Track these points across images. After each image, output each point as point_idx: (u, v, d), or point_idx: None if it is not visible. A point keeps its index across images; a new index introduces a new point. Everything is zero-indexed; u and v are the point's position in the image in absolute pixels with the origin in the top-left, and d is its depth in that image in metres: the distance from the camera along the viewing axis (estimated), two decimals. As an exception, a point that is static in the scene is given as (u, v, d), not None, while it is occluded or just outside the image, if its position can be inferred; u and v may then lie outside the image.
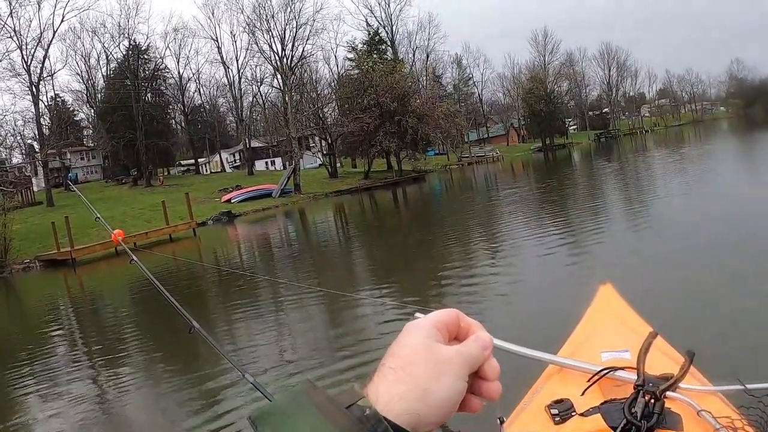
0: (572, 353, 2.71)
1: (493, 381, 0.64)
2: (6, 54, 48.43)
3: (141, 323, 12.23)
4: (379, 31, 72.63)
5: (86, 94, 64.77)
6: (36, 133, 54.75)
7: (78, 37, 61.26)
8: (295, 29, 56.63)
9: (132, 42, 62.51)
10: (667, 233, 12.16)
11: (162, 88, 68.71)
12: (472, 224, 19.61)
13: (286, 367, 7.40)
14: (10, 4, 47.53)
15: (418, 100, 57.12)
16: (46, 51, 51.86)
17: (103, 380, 8.63)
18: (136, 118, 59.08)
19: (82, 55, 62.46)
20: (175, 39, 71.80)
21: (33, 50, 50.35)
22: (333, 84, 70.00)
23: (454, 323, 0.65)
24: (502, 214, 21.44)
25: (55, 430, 6.78)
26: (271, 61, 58.53)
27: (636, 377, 2.09)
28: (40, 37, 50.63)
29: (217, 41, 69.40)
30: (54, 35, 52.61)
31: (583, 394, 2.22)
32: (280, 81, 57.73)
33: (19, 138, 63.01)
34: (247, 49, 65.87)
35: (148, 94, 65.05)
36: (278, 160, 72.87)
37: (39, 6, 50.73)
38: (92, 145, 72.19)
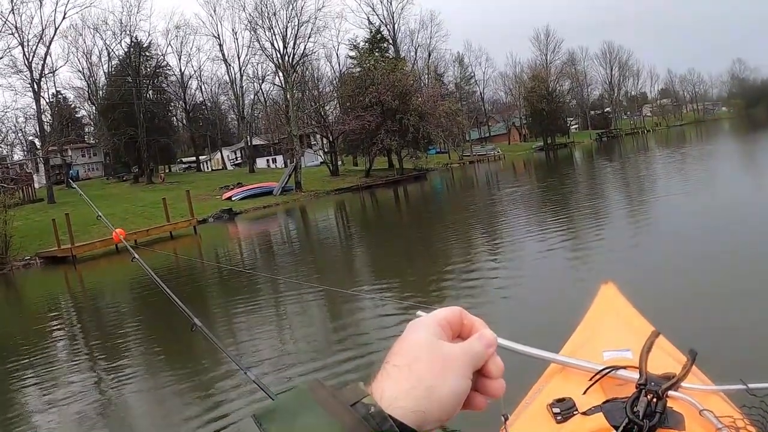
0: (574, 352, 2.71)
1: (497, 379, 0.64)
2: (7, 51, 48.52)
3: (142, 320, 12.24)
4: (381, 29, 72.54)
5: (88, 91, 64.83)
6: (37, 129, 54.77)
7: (80, 34, 61.39)
8: (296, 27, 56.64)
9: (134, 39, 62.56)
10: (668, 232, 12.15)
11: (163, 85, 68.70)
12: (473, 222, 19.62)
13: (288, 364, 7.39)
14: (12, 0, 47.56)
15: (420, 99, 57.08)
16: (48, 48, 51.90)
17: (104, 377, 8.64)
18: (137, 116, 59.06)
19: (83, 52, 62.61)
20: (176, 36, 71.90)
21: (34, 47, 50.39)
22: (334, 82, 70.12)
23: (457, 321, 0.65)
24: (503, 212, 21.43)
25: (56, 427, 6.78)
26: (272, 58, 58.59)
27: (638, 376, 2.09)
28: (42, 33, 50.66)
29: (219, 39, 69.50)
30: (55, 32, 52.64)
31: (585, 393, 2.22)
32: (282, 79, 57.71)
33: (20, 135, 63.20)
34: (249, 46, 65.98)
35: (150, 92, 65.04)
36: (279, 158, 72.86)
37: (41, 3, 50.79)
38: (93, 142, 72.30)
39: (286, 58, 56.35)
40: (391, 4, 76.97)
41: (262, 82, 69.54)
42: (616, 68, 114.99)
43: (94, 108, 66.09)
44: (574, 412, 2.11)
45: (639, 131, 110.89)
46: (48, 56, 52.59)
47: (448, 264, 12.74)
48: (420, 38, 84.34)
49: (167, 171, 70.29)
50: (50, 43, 52.05)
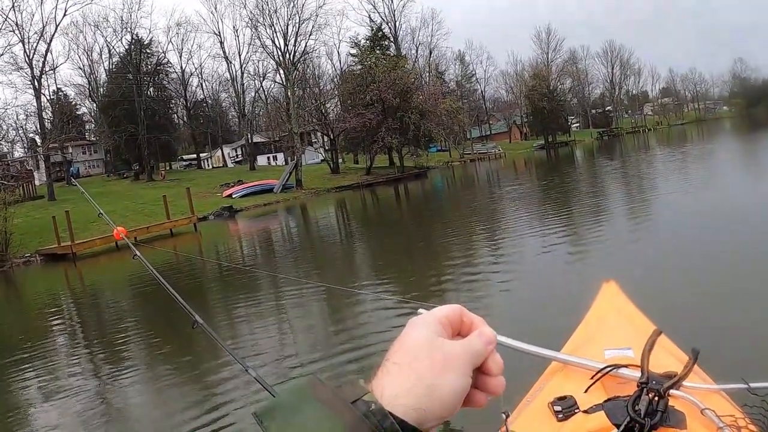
0: (576, 350, 2.71)
1: (496, 376, 0.65)
2: (8, 47, 48.51)
3: (143, 318, 12.24)
4: (382, 27, 72.51)
5: (88, 89, 64.84)
6: (38, 127, 54.73)
7: (80, 31, 61.43)
8: (297, 24, 56.64)
9: (134, 36, 62.61)
10: (669, 231, 12.14)
11: (164, 82, 68.74)
12: (474, 220, 19.61)
13: (289, 360, 7.41)
14: (13, -3, 47.51)
15: (421, 97, 57.09)
16: (49, 45, 51.86)
17: (105, 374, 8.64)
18: (138, 113, 59.09)
19: (84, 50, 62.62)
20: (177, 34, 72.15)
21: (35, 44, 50.36)
22: (335, 80, 70.20)
23: (457, 319, 0.65)
24: (504, 210, 21.44)
25: (56, 423, 6.78)
26: (273, 56, 58.59)
27: (640, 375, 2.09)
28: (43, 30, 50.62)
29: (220, 36, 69.56)
30: (56, 29, 52.60)
31: (586, 391, 2.22)
32: (283, 76, 57.69)
33: (21, 132, 63.15)
34: (250, 44, 65.99)
35: (151, 89, 65.07)
36: (280, 156, 72.92)
37: (41, 0, 50.77)
38: (94, 139, 72.28)
39: (287, 55, 56.37)
40: (392, 1, 77.08)
41: (263, 80, 69.65)
42: (618, 67, 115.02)
43: (94, 105, 66.10)
44: (576, 411, 2.11)
45: (640, 130, 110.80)
46: (49, 53, 52.63)
47: (448, 261, 12.74)
48: (421, 36, 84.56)
49: (168, 168, 70.31)
50: (51, 40, 52.10)
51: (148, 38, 65.17)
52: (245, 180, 52.38)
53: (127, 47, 62.69)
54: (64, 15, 53.85)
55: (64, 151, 59.71)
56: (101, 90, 64.26)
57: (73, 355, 10.26)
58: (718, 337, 5.51)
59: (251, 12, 58.98)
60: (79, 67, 63.41)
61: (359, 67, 60.63)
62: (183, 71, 72.08)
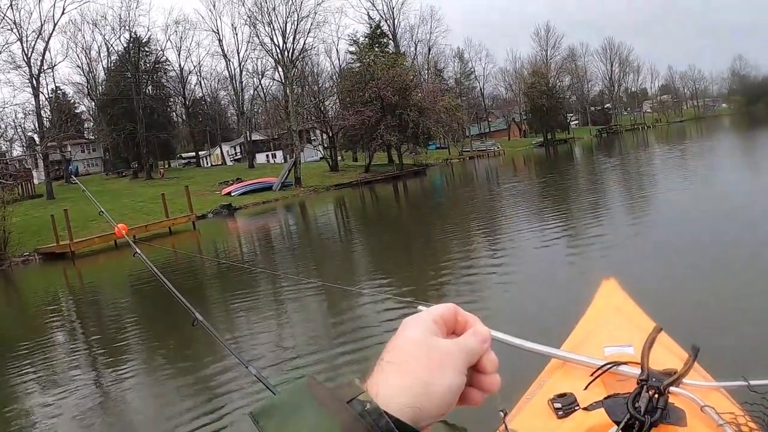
0: (575, 347, 2.71)
1: (491, 374, 0.65)
2: (6, 46, 48.44)
3: (142, 315, 12.24)
4: (381, 25, 72.47)
5: (87, 87, 64.73)
6: (36, 125, 54.69)
7: (79, 30, 61.33)
8: (296, 22, 56.57)
9: (133, 34, 62.51)
10: (668, 228, 12.15)
11: (163, 80, 68.70)
12: (473, 217, 19.60)
13: (288, 358, 7.40)
14: (11, -5, 47.43)
15: (420, 94, 57.08)
16: (47, 43, 51.77)
17: (104, 372, 8.64)
18: (136, 111, 59.04)
19: (82, 48, 62.49)
20: (176, 31, 72.10)
21: (33, 42, 50.29)
22: (334, 77, 70.19)
23: (451, 317, 0.65)
24: (503, 207, 21.44)
25: (56, 420, 6.78)
26: (272, 53, 58.49)
27: (640, 372, 2.08)
28: (41, 29, 50.57)
29: (218, 34, 69.82)
30: (54, 27, 52.50)
31: (586, 388, 2.22)
32: (281, 74, 57.68)
33: (19, 131, 63.08)
34: (248, 41, 65.88)
35: (149, 87, 65.03)
36: (279, 153, 72.93)
37: (40, -2, 50.70)
38: (93, 137, 72.20)
39: (286, 53, 56.31)
40: (391, -1, 76.88)
41: (262, 78, 69.54)
42: (617, 64, 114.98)
43: (93, 103, 65.98)
44: (576, 408, 2.11)
45: (639, 127, 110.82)
46: (47, 52, 52.54)
47: (448, 258, 12.74)
48: (420, 33, 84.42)
49: (167, 166, 70.27)
50: (49, 39, 52.00)
51: (147, 36, 65.23)
52: (244, 178, 52.35)
53: (125, 45, 62.64)
54: (63, 13, 54.26)
55: (62, 149, 59.63)
56: (100, 88, 64.17)
57: (72, 353, 10.25)
58: (718, 335, 5.51)
59: (250, 9, 58.98)
60: (78, 66, 63.35)
61: (358, 64, 60.60)
62: (182, 69, 72.04)
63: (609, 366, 2.24)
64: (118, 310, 13.78)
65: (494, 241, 14.31)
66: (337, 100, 64.14)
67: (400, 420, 0.57)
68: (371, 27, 69.66)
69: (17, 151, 66.50)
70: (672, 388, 2.02)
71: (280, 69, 58.03)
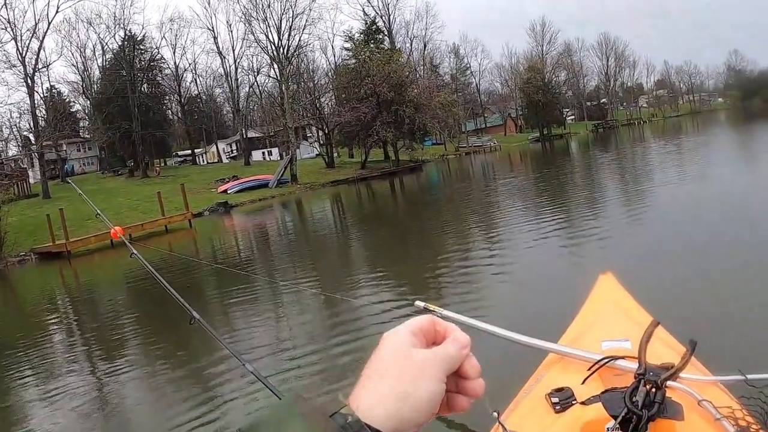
0: (573, 342, 2.71)
1: (475, 379, 0.66)
2: (0, 45, 48.22)
3: (139, 315, 12.21)
4: (376, 21, 72.40)
5: (82, 86, 64.44)
6: (31, 124, 54.47)
7: (73, 28, 61.07)
8: (291, 19, 56.39)
9: (128, 32, 62.33)
10: (665, 222, 12.16)
11: (158, 78, 68.56)
12: (469, 213, 19.60)
13: (285, 354, 7.40)
14: (4, -6, 47.24)
15: (416, 90, 57.03)
16: (41, 42, 51.59)
17: (102, 371, 8.62)
18: (132, 109, 58.91)
19: (77, 46, 62.22)
20: (171, 29, 71.92)
21: (28, 41, 50.08)
22: (330, 74, 70.00)
23: (430, 328, 0.67)
24: (499, 203, 21.44)
25: (54, 419, 6.77)
26: (267, 50, 58.32)
27: (637, 366, 2.08)
28: (35, 28, 50.37)
29: (213, 31, 69.64)
30: (49, 26, 52.33)
31: (583, 382, 2.22)
32: (277, 71, 57.51)
33: (14, 130, 62.80)
34: (244, 38, 65.72)
35: (144, 85, 64.89)
36: (275, 150, 72.74)
37: (34, -4, 50.51)
38: (88, 136, 71.98)
39: (281, 50, 56.15)
40: (386, -5, 76.71)
41: (257, 75, 69.49)
42: (612, 59, 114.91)
43: (88, 102, 65.73)
44: (573, 402, 2.11)
45: (635, 122, 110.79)
46: (41, 50, 52.38)
47: (445, 253, 12.73)
48: (415, 29, 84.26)
49: (163, 164, 70.14)
50: (43, 38, 51.84)
51: (142, 34, 65.07)
52: (240, 175, 52.27)
53: (120, 44, 62.43)
54: (57, 12, 54.03)
55: (58, 148, 59.47)
56: (95, 87, 63.94)
57: (69, 353, 10.24)
58: (715, 329, 5.52)
59: (244, 7, 58.77)
60: (73, 64, 63.06)
61: (353, 61, 60.50)
62: (177, 67, 71.86)
63: (606, 360, 2.24)
64: (115, 309, 13.75)
65: (491, 236, 14.32)
66: (333, 97, 64.01)
67: (380, 430, 0.59)
68: (366, 23, 69.58)
69: (12, 150, 66.22)
70: (669, 383, 2.02)
71: (275, 66, 57.89)
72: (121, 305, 14.21)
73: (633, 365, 2.13)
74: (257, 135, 77.22)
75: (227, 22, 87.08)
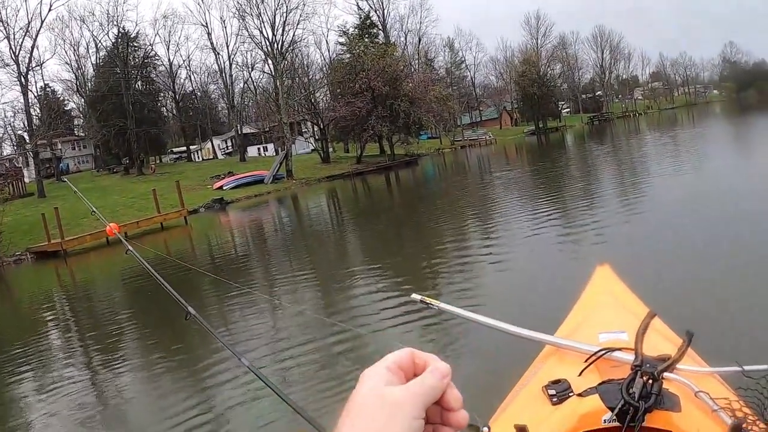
0: (569, 334, 2.70)
1: (457, 410, 0.65)
2: (-7, 44, 47.97)
3: (135, 311, 12.21)
4: (371, 15, 72.15)
5: (76, 83, 64.27)
6: (26, 123, 54.31)
7: (66, 26, 60.78)
8: (285, 14, 56.18)
9: (121, 30, 61.98)
10: (660, 214, 12.19)
11: (152, 75, 68.21)
12: (465, 206, 19.61)
13: (281, 350, 7.39)
14: (-4, -7, 47.00)
15: (411, 84, 56.91)
16: (34, 40, 51.29)
17: (99, 367, 8.62)
18: (126, 107, 58.65)
19: (70, 44, 62.00)
20: (164, 26, 71.74)
21: (21, 40, 49.80)
22: (324, 69, 69.85)
23: (408, 362, 0.66)
24: (495, 195, 21.45)
25: (51, 416, 6.76)
26: (261, 46, 58.11)
27: (634, 358, 2.08)
28: (28, 26, 50.06)
29: (207, 27, 69.06)
30: (42, 24, 52.01)
31: (580, 374, 2.21)
32: (271, 66, 57.35)
33: (9, 129, 62.62)
34: (238, 34, 65.44)
35: (139, 82, 64.56)
36: (270, 146, 72.64)
37: (26, -6, 50.24)
38: (83, 134, 71.77)
39: (275, 45, 55.97)
40: (380, -11, 76.47)
41: (252, 70, 69.11)
42: (607, 52, 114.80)
43: (82, 100, 65.52)
44: (570, 394, 2.10)
45: (631, 114, 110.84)
46: (35, 49, 52.11)
47: (441, 246, 12.75)
48: (410, 23, 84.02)
49: (158, 162, 69.94)
50: (37, 36, 51.50)
51: (135, 31, 64.64)
52: (236, 171, 52.17)
53: (113, 41, 62.09)
54: (50, 10, 53.39)
55: (53, 147, 59.26)
56: (89, 85, 63.71)
57: (66, 350, 10.23)
58: (712, 320, 5.53)
59: (238, 2, 58.43)
60: (66, 62, 62.83)
61: (348, 55, 60.36)
62: (171, 64, 71.61)
63: (603, 352, 2.24)
64: (112, 306, 13.75)
65: (487, 229, 14.32)
66: (328, 92, 63.96)
67: None
68: (361, 18, 69.32)
69: (7, 149, 66.03)
70: (666, 374, 2.01)
71: (269, 61, 57.71)
72: (117, 302, 14.19)
73: (630, 357, 2.12)
74: (252, 131, 77.04)
75: (221, 18, 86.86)
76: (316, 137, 62.37)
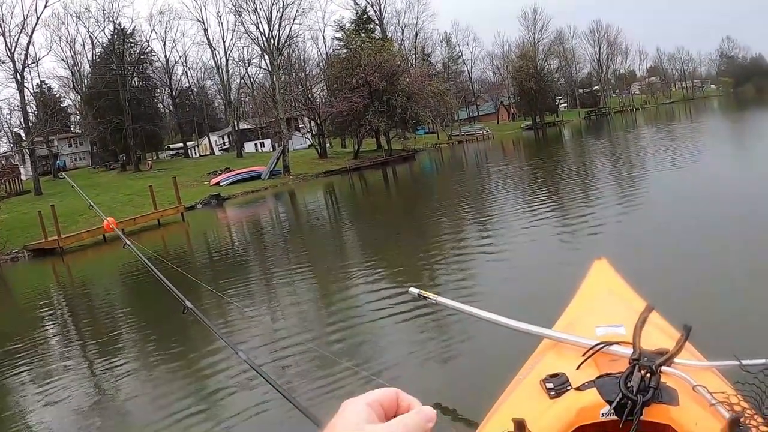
0: (567, 328, 2.70)
1: None
2: (-12, 42, 47.76)
3: (133, 307, 12.21)
4: (367, 10, 72.07)
5: (72, 80, 64.04)
6: (22, 120, 54.11)
7: (62, 23, 60.52)
8: (281, 9, 56.03)
9: (117, 26, 61.82)
10: (659, 208, 12.19)
11: (149, 71, 68.09)
12: (462, 200, 19.59)
13: (278, 344, 7.39)
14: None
15: (407, 79, 56.86)
16: (30, 37, 51.00)
17: (96, 362, 8.61)
18: (123, 103, 58.52)
19: (66, 41, 61.77)
20: (160, 22, 71.28)
21: (16, 37, 49.55)
22: (321, 64, 69.67)
23: (391, 401, 0.64)
24: (492, 190, 21.44)
25: (50, 412, 6.75)
26: (258, 42, 57.96)
27: (631, 352, 2.07)
28: (24, 23, 49.81)
29: (203, 23, 68.89)
30: (37, 21, 51.78)
31: (578, 368, 2.21)
32: (268, 62, 57.20)
33: (5, 127, 62.46)
34: (234, 30, 65.45)
35: (135, 79, 64.46)
36: (267, 142, 72.62)
37: (22, -9, 50.07)
38: (79, 131, 71.59)
39: (272, 41, 55.84)
40: (376, -16, 76.31)
41: (248, 66, 68.97)
42: (605, 46, 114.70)
43: (79, 97, 65.29)
44: (568, 388, 2.10)
45: (628, 109, 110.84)
46: (30, 46, 51.79)
47: (439, 240, 12.75)
48: (407, 18, 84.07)
49: (154, 158, 69.81)
50: (32, 33, 51.18)
51: (131, 27, 64.47)
52: (233, 167, 52.11)
53: (110, 37, 61.92)
54: (45, 6, 52.99)
55: (49, 144, 59.12)
56: (85, 81, 63.52)
57: (64, 346, 10.22)
58: (710, 314, 5.53)
59: (234, -3, 58.34)
60: (62, 59, 62.60)
61: (345, 50, 60.32)
62: (167, 60, 71.32)
63: (601, 346, 2.24)
64: (109, 302, 13.74)
65: (485, 223, 14.31)
66: (325, 87, 63.83)
67: None
68: (357, 13, 69.31)
69: (3, 147, 65.85)
70: (664, 368, 2.01)
71: (266, 57, 57.56)
72: (115, 298, 14.19)
73: (628, 351, 2.12)
74: (249, 127, 76.97)
75: (217, 13, 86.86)
76: (313, 133, 62.27)
